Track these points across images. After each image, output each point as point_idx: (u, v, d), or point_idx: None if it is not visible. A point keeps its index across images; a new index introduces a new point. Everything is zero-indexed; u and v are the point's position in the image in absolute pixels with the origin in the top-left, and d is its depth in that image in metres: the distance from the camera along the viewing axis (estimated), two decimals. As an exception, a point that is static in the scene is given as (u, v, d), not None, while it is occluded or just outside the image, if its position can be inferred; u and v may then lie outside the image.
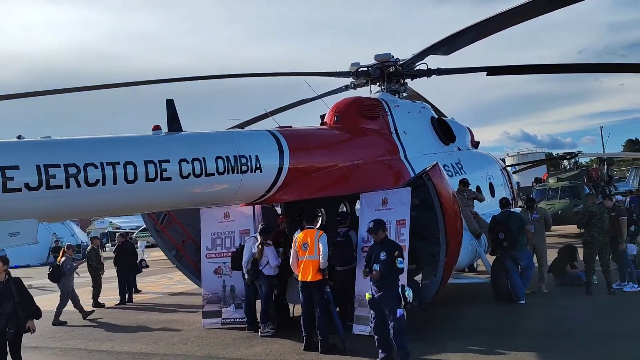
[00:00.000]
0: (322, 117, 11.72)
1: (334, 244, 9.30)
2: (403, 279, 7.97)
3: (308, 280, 8.13)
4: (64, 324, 12.10)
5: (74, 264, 13.09)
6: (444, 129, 12.87)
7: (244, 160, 8.07)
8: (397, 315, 6.96)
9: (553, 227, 23.10)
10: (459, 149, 13.39)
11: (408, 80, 13.33)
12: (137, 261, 16.79)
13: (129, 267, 15.33)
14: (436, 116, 13.27)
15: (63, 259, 12.85)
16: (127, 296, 14.75)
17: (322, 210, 12.98)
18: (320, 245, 8.08)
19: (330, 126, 10.99)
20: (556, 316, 9.32)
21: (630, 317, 8.89)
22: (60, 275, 12.58)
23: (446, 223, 8.32)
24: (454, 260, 8.85)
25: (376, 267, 7.29)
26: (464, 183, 11.69)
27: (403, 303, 6.94)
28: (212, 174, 7.61)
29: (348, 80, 13.21)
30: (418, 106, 12.99)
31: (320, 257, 8.02)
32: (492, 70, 12.93)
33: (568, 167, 41.66)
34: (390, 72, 12.63)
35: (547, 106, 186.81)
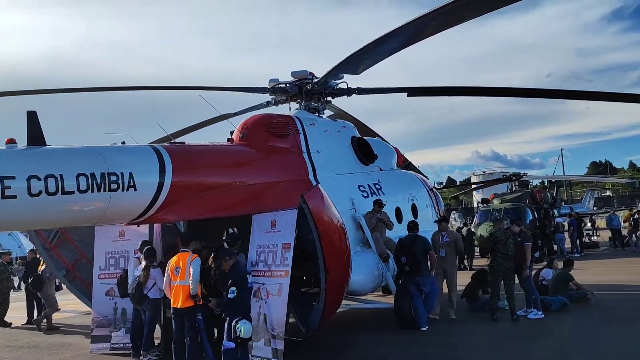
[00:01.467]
0: (232, 133, 11.37)
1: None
2: (277, 309, 7.61)
3: (178, 306, 7.69)
4: (57, 328, 12.65)
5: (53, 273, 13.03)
6: (364, 149, 12.61)
7: (113, 178, 7.59)
8: (223, 348, 6.57)
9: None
10: (381, 169, 13.16)
11: (330, 98, 13.13)
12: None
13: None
14: (357, 135, 13.01)
15: (43, 267, 12.86)
16: (35, 315, 14.03)
17: (235, 229, 12.59)
18: (192, 269, 7.64)
19: (234, 143, 10.62)
20: (450, 344, 9.06)
21: (519, 346, 8.64)
22: (41, 284, 12.83)
23: (324, 248, 7.92)
24: (339, 286, 8.48)
25: None
26: (378, 204, 11.41)
27: (233, 336, 6.53)
28: (72, 192, 7.13)
29: (268, 97, 12.94)
30: (338, 125, 12.72)
31: (190, 282, 7.59)
32: (412, 91, 12.76)
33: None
34: (309, 90, 12.37)
35: (517, 127, 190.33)
